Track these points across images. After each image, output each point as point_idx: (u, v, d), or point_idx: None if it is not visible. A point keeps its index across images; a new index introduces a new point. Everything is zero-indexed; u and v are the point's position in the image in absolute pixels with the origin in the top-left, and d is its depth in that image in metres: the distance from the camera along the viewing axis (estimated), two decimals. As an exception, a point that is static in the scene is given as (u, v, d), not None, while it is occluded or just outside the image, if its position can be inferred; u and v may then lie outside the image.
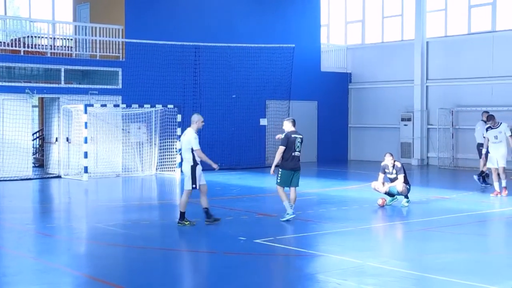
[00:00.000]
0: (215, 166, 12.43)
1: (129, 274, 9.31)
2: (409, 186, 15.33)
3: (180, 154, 12.31)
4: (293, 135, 12.86)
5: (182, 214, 12.51)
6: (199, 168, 12.39)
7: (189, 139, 12.32)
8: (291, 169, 12.85)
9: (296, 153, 12.86)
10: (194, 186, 12.35)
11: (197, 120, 12.51)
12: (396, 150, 27.99)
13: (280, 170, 12.94)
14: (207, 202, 12.63)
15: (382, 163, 15.39)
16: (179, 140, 22.58)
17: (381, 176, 15.38)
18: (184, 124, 23.76)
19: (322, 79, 29.14)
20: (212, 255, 10.32)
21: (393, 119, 28.63)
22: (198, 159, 12.36)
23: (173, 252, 10.66)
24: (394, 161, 15.27)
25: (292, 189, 13.05)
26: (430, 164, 27.23)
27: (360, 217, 13.80)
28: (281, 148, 12.85)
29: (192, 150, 12.28)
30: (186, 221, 12.50)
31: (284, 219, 12.88)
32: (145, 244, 11.13)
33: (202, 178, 12.52)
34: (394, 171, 15.17)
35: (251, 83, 26.12)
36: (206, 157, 12.38)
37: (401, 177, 15.06)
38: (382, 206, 14.91)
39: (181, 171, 12.49)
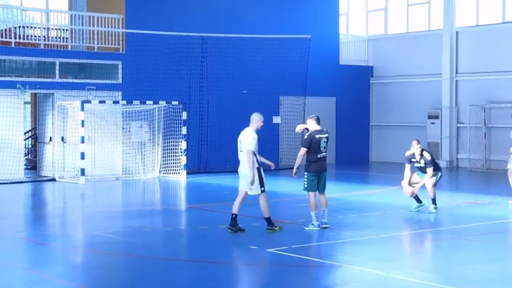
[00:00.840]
0: (251, 175, 12.51)
1: (129, 285, 9.32)
2: (441, 172, 15.19)
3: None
4: (317, 135, 12.81)
5: (269, 220, 12.65)
6: (261, 169, 12.65)
7: (247, 139, 12.53)
8: (316, 171, 12.83)
9: (322, 154, 12.85)
10: (263, 189, 12.60)
11: (258, 119, 12.77)
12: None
13: (306, 173, 12.93)
14: (239, 209, 12.71)
15: (407, 153, 15.25)
16: (185, 140, 22.69)
17: (407, 167, 15.24)
18: (190, 122, 23.88)
19: (340, 73, 29.08)
20: (220, 266, 10.32)
21: (419, 116, 28.54)
22: (259, 160, 12.64)
23: (177, 262, 10.66)
24: (422, 150, 15.14)
25: (321, 194, 13.04)
26: (460, 166, 27.11)
27: (383, 225, 13.76)
28: (302, 150, 12.85)
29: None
30: (276, 226, 12.64)
31: (308, 228, 12.87)
32: (146, 253, 11.14)
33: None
34: (422, 161, 15.06)
35: (263, 78, 26.10)
36: (252, 163, 12.50)
37: (430, 171, 14.88)
38: (412, 196, 14.86)
39: (238, 173, 12.83)
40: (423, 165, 15.09)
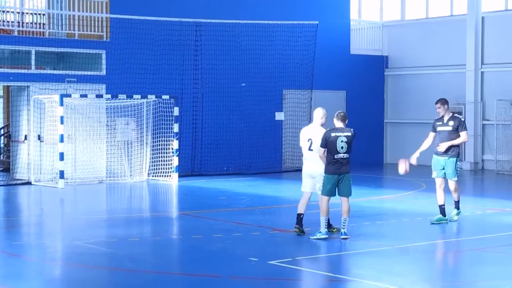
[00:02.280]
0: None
1: (114, 303, 9.35)
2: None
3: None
4: (333, 134, 12.93)
5: (328, 222, 13.21)
6: None
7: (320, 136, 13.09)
8: (334, 173, 12.92)
9: (341, 155, 12.92)
10: None
11: (322, 115, 13.46)
12: (443, 152, 27.87)
13: (324, 175, 13.06)
14: (305, 208, 13.46)
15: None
16: (177, 139, 22.69)
17: (431, 135, 14.80)
18: (183, 119, 23.87)
19: (351, 63, 29.09)
20: (216, 280, 10.33)
21: (440, 113, 28.48)
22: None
23: (167, 276, 10.68)
24: (454, 113, 14.69)
25: (343, 199, 13.07)
26: (485, 169, 27.11)
27: (399, 234, 13.78)
28: (320, 150, 13.07)
29: None
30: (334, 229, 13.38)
31: (314, 237, 12.90)
32: (133, 266, 11.15)
33: None
34: (452, 123, 14.46)
35: (264, 69, 26.10)
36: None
37: (464, 135, 14.36)
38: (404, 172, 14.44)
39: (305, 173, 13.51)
40: (450, 128, 14.52)
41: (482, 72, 27.44)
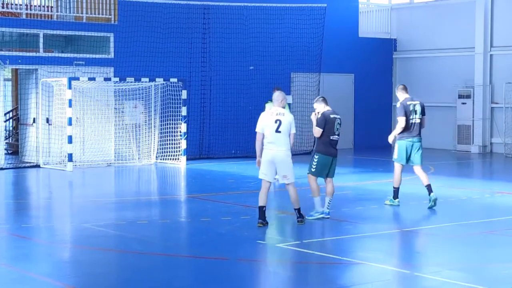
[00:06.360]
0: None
1: (123, 285, 9.39)
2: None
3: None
4: (332, 115, 13.03)
5: (300, 210, 12.71)
6: None
7: (291, 120, 12.52)
8: (329, 155, 12.98)
9: (336, 137, 13.11)
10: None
11: (282, 98, 12.78)
12: (452, 134, 27.82)
13: (317, 155, 13.09)
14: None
15: (400, 102, 14.44)
16: (185, 122, 22.71)
17: (402, 120, 14.37)
18: (191, 102, 23.89)
19: (360, 46, 29.01)
20: (224, 263, 10.37)
21: (448, 96, 28.46)
22: None
23: (176, 258, 10.72)
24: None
25: (329, 180, 13.22)
26: (494, 152, 27.06)
27: (407, 217, 13.80)
28: (317, 130, 13.04)
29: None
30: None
31: (312, 218, 12.96)
32: (142, 248, 11.20)
33: None
34: (419, 107, 14.24)
35: (272, 52, 26.06)
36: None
37: (424, 120, 14.36)
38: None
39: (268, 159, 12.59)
40: (419, 112, 14.28)
41: (491, 55, 27.33)
